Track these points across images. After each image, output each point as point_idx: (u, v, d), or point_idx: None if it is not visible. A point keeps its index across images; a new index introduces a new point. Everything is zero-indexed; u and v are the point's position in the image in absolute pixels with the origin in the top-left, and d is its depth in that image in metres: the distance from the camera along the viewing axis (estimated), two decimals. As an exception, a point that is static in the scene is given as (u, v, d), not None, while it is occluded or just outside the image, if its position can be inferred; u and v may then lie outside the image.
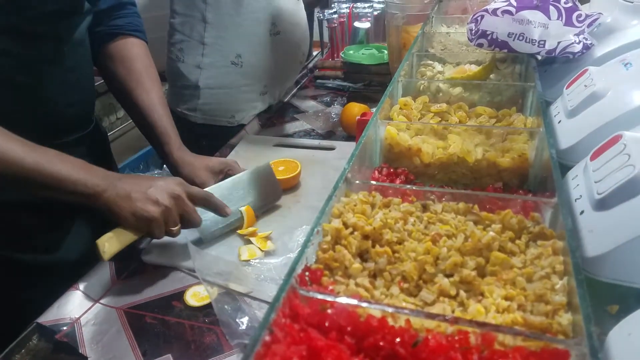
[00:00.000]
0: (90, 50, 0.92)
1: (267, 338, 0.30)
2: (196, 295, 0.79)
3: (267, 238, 0.87)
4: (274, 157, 1.17)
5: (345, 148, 1.22)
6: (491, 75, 0.90)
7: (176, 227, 0.78)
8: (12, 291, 0.82)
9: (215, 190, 0.87)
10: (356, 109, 1.28)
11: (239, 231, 0.90)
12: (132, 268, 0.86)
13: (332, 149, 1.23)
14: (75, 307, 0.77)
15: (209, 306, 0.77)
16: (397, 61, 1.38)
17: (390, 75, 1.45)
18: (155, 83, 0.97)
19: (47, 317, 0.74)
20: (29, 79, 0.78)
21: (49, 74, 0.80)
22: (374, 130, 0.57)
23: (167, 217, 0.76)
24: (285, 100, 1.55)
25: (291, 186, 1.03)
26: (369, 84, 1.58)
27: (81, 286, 0.80)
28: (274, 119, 1.43)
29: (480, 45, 0.82)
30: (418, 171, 0.60)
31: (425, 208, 0.45)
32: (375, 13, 1.75)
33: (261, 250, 0.84)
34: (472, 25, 0.83)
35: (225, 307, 0.68)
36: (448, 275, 0.39)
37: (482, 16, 0.81)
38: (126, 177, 0.77)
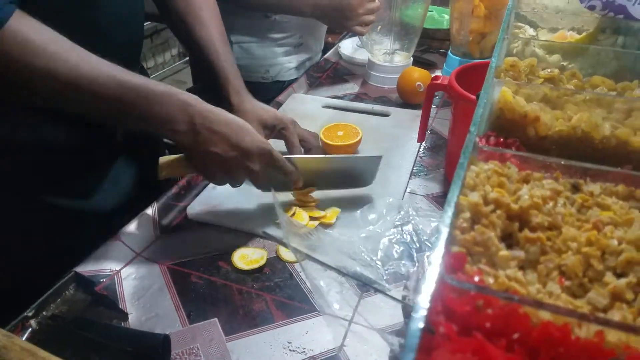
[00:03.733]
0: None
1: (424, 337, 0.22)
2: (244, 258, 0.73)
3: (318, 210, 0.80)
4: (324, 119, 1.09)
5: (401, 115, 1.13)
6: (590, 47, 0.79)
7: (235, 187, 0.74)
8: (49, 238, 0.76)
9: (302, 162, 0.78)
10: (416, 74, 1.18)
11: (293, 191, 0.83)
12: (177, 222, 0.80)
13: (386, 115, 1.14)
14: (116, 258, 0.71)
15: (257, 270, 0.71)
16: (463, 27, 1.27)
17: (449, 42, 1.34)
18: (214, 17, 0.89)
19: (86, 268, 0.68)
20: (83, 11, 0.70)
21: (103, 7, 0.72)
22: (486, 91, 0.48)
23: (234, 183, 0.72)
24: (335, 60, 1.45)
25: (351, 153, 0.95)
26: (426, 49, 1.47)
27: (122, 237, 0.74)
28: (323, 78, 1.34)
29: (591, 8, 0.72)
30: (531, 144, 0.51)
31: (576, 188, 0.36)
32: (438, -28, 1.62)
33: (324, 221, 0.77)
34: (583, -16, 0.72)
35: (319, 283, 0.62)
36: (619, 275, 0.31)
37: (598, -26, 0.70)
38: (216, 123, 0.66)
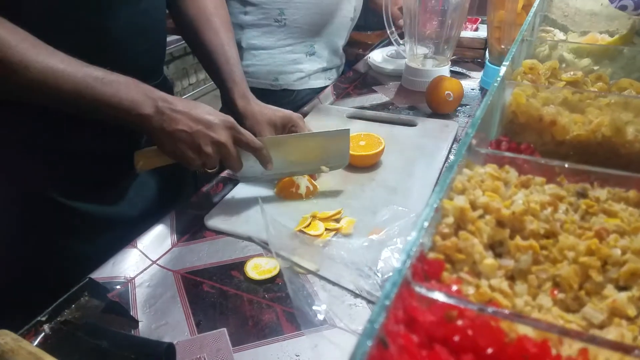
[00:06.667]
0: None
1: (374, 349, 0.20)
2: (257, 268, 0.72)
3: (340, 219, 0.79)
4: (350, 130, 1.08)
5: (429, 125, 1.10)
6: (624, 50, 0.75)
7: (213, 170, 0.75)
8: (68, 243, 0.78)
9: (272, 141, 0.80)
10: (446, 83, 1.15)
11: (304, 198, 0.83)
12: (193, 231, 0.80)
13: (413, 125, 1.11)
14: (131, 266, 0.72)
15: (269, 281, 0.69)
16: (505, 36, 1.22)
17: (484, 51, 1.30)
18: (224, 23, 0.90)
19: (101, 274, 0.69)
20: (101, 20, 0.72)
21: (121, 16, 0.74)
22: (496, 93, 0.46)
23: (205, 162, 0.72)
24: (364, 71, 1.44)
25: (372, 164, 0.93)
26: (459, 59, 1.44)
27: (139, 245, 0.74)
28: (350, 89, 1.33)
29: (623, 9, 0.68)
30: (547, 149, 0.48)
31: (581, 194, 0.33)
32: (472, -20, 1.59)
33: (341, 232, 0.76)
34: (614, -17, 0.68)
35: (300, 290, 0.59)
36: (621, 288, 0.27)
37: (629, -28, 0.66)
38: (177, 104, 0.70)
